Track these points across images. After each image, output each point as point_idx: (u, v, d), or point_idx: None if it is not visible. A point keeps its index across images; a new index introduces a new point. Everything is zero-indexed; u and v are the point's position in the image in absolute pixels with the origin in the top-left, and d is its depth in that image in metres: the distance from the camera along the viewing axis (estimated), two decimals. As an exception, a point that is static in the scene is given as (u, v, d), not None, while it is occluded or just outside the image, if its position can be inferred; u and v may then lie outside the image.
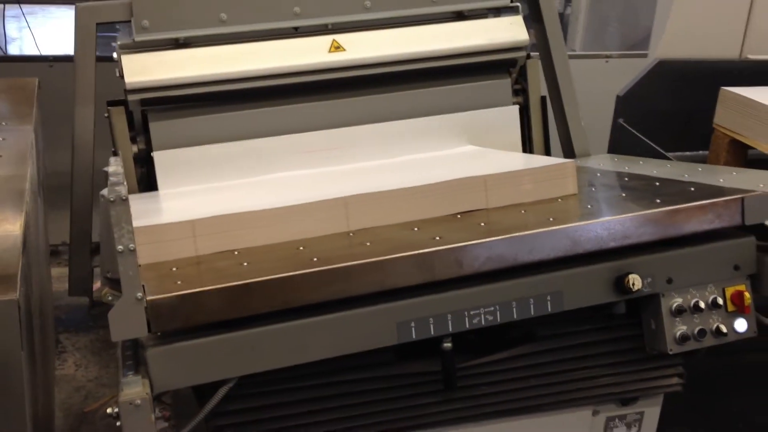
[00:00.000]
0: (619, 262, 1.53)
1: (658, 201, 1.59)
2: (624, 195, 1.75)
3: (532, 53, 2.24)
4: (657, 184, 1.78)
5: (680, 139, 2.40)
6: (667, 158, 2.16)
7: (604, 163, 2.15)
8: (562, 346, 1.62)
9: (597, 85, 2.71)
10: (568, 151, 2.25)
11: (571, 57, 2.81)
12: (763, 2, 2.43)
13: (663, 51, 2.39)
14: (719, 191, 1.62)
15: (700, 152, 2.39)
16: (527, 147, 2.24)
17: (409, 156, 2.08)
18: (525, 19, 2.23)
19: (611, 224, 1.52)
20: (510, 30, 2.19)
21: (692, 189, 1.67)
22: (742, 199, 1.56)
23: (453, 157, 2.06)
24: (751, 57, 2.47)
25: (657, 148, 2.17)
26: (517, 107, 2.21)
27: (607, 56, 2.87)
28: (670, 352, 1.57)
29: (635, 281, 1.51)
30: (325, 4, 2.10)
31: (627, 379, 1.66)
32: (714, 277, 1.59)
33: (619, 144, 2.37)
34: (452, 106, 2.18)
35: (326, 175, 1.92)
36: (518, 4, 2.21)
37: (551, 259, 1.50)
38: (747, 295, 1.59)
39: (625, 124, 2.33)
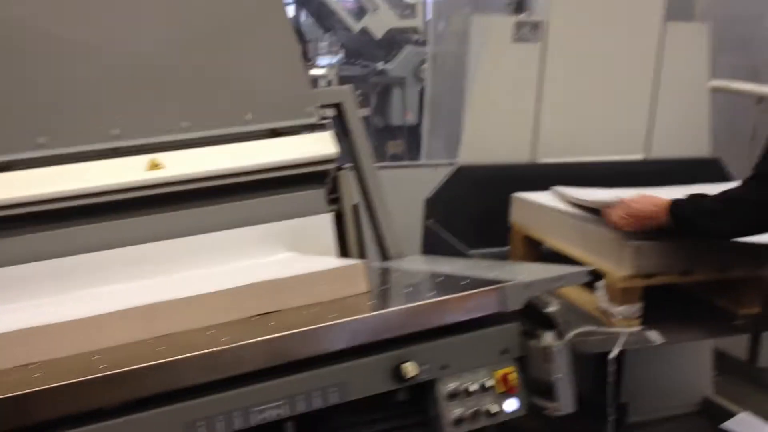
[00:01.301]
0: (398, 352, 1.68)
1: (433, 293, 1.78)
2: (410, 290, 1.93)
3: (344, 165, 2.45)
4: (441, 279, 1.97)
5: (485, 237, 2.64)
6: (468, 256, 2.37)
7: (412, 263, 2.35)
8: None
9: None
10: (384, 254, 2.44)
11: (386, 167, 3.08)
12: (547, 110, 2.74)
13: (463, 158, 2.65)
14: (485, 282, 1.82)
15: (504, 248, 2.64)
16: (344, 251, 2.41)
17: (225, 265, 2.20)
18: (336, 134, 2.45)
19: (388, 316, 1.68)
20: (320, 145, 2.38)
21: (467, 282, 1.87)
22: (503, 288, 1.76)
23: (265, 264, 2.19)
24: (541, 161, 2.77)
25: (459, 247, 2.37)
26: (331, 215, 2.39)
27: (420, 165, 3.13)
28: (448, 435, 1.71)
29: (410, 369, 1.67)
30: (144, 126, 2.23)
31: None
32: (484, 361, 1.76)
33: (429, 244, 2.58)
34: (270, 216, 2.32)
35: (137, 287, 2.03)
36: (328, 121, 2.42)
37: (334, 352, 1.64)
38: (514, 376, 1.76)
39: (432, 226, 2.54)
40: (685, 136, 2.94)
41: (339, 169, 2.43)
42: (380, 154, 6.57)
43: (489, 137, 2.66)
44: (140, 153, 2.22)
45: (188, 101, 2.25)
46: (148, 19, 2.18)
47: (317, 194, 2.42)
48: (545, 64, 2.65)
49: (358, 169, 2.44)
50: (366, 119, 7.03)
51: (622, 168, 2.84)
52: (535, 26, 2.61)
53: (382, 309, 1.72)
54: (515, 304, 1.77)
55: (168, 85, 2.21)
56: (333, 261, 2.15)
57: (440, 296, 1.73)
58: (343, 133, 2.47)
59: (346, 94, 2.44)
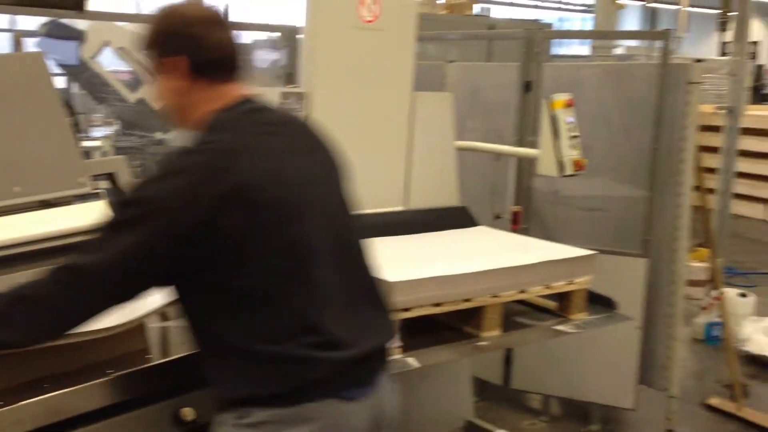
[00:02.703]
0: (175, 400, 1.80)
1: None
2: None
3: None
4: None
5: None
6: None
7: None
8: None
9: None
10: (164, 315, 2.54)
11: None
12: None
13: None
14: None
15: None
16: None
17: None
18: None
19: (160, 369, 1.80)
20: (93, 213, 2.46)
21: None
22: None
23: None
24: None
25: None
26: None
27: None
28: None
29: (188, 414, 1.80)
30: None
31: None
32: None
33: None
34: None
35: None
36: (102, 190, 2.51)
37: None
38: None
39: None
40: (438, 189, 3.33)
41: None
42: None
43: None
44: None
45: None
46: None
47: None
48: (308, 130, 2.93)
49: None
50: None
51: (385, 218, 3.15)
52: (299, 96, 2.88)
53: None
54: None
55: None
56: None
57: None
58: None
59: (119, 164, 2.54)
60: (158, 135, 7.20)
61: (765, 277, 7.04)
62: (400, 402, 1.85)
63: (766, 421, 4.05)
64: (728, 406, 4.24)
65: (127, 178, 2.53)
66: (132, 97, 7.19)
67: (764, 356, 4.93)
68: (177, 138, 7.29)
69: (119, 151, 6.91)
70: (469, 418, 3.61)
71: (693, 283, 6.12)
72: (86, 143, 7.06)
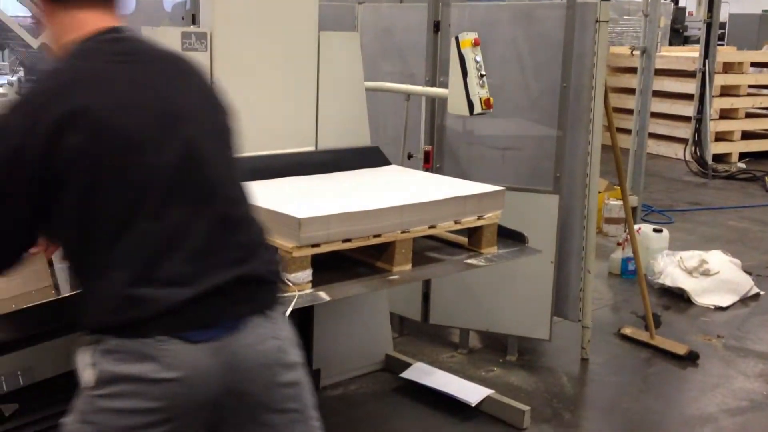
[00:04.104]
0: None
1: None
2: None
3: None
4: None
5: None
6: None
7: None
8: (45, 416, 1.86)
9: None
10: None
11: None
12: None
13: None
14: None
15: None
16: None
17: None
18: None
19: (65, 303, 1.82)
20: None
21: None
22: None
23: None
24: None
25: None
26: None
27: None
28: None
29: (96, 346, 1.82)
30: None
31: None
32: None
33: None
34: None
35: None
36: None
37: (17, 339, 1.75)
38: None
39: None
40: (348, 129, 3.36)
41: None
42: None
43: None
44: None
45: None
46: None
47: None
48: (213, 70, 2.91)
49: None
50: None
51: (295, 158, 3.17)
52: (201, 36, 2.86)
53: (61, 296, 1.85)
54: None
55: None
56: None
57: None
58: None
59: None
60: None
61: (681, 214, 7.31)
62: (274, 347, 1.74)
63: (676, 348, 4.25)
64: (641, 335, 4.43)
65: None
66: (35, 42, 6.97)
67: (677, 288, 5.14)
68: None
69: (27, 98, 6.72)
70: (389, 352, 3.71)
71: (610, 221, 6.34)
72: (-11, 90, 6.88)
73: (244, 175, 1.85)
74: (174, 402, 1.61)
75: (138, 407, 1.59)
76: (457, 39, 3.19)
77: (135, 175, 1.62)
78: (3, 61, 7.58)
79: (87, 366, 1.61)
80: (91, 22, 1.73)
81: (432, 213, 2.76)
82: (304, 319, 3.41)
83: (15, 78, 6.95)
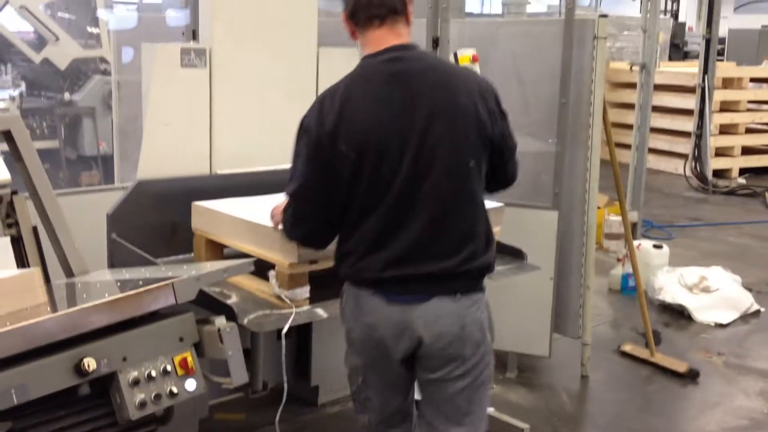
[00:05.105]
0: (77, 350, 1.81)
1: (105, 295, 1.93)
2: (85, 296, 2.07)
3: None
4: (119, 283, 2.13)
5: (171, 245, 2.83)
6: (154, 263, 2.52)
7: (97, 276, 2.47)
8: (40, 433, 1.83)
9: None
10: (67, 271, 2.52)
11: (77, 192, 3.18)
12: (219, 127, 2.99)
13: (142, 173, 2.82)
14: (158, 280, 2.01)
15: (190, 254, 2.84)
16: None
17: None
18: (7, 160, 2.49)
19: (60, 320, 1.80)
20: (-12, 170, 2.43)
21: (141, 282, 2.04)
22: (173, 283, 1.96)
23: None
24: (219, 172, 3.02)
25: (144, 254, 2.52)
26: (8, 238, 2.43)
27: (110, 189, 3.23)
28: (133, 418, 1.87)
29: (90, 364, 1.81)
30: None
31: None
32: (163, 349, 1.95)
33: (117, 258, 2.70)
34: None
35: None
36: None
37: (11, 356, 1.72)
38: (190, 359, 1.97)
39: (117, 239, 2.67)
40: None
41: (14, 193, 2.49)
42: (76, 186, 6.43)
43: (167, 153, 2.85)
44: None
45: None
46: None
47: (-11, 220, 2.46)
48: (213, 86, 2.91)
49: (33, 193, 2.51)
50: (57, 151, 6.84)
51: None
52: (200, 53, 2.86)
53: (56, 313, 1.83)
54: (187, 297, 1.97)
55: None
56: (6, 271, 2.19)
57: (113, 297, 1.89)
58: (15, 159, 2.52)
59: (14, 121, 2.49)
60: (66, 96, 7.07)
61: (681, 230, 7.30)
62: (449, 322, 2.18)
63: (676, 365, 4.23)
64: (641, 352, 4.40)
65: (23, 134, 2.48)
66: (36, 57, 7.02)
67: (677, 304, 5.12)
68: (84, 99, 7.22)
69: (26, 112, 6.77)
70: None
71: (610, 236, 6.33)
72: (-10, 105, 6.90)
73: (467, 186, 2.19)
74: (370, 338, 2.21)
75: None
76: (455, 55, 3.19)
77: (377, 181, 2.09)
78: (5, 75, 7.63)
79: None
80: (377, 40, 2.14)
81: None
82: (302, 334, 3.39)
83: (17, 93, 6.99)
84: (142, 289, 1.91)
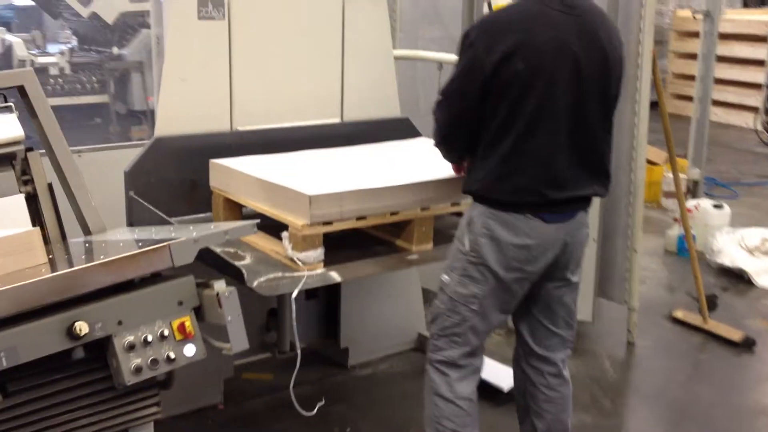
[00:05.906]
0: (70, 313, 1.76)
1: (103, 256, 1.87)
2: (85, 256, 2.02)
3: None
4: (121, 244, 2.07)
5: (190, 203, 2.77)
6: (170, 223, 2.47)
7: (113, 234, 2.42)
8: (35, 397, 1.81)
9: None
10: (85, 229, 2.49)
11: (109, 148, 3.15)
12: (239, 81, 2.90)
13: (160, 130, 2.75)
14: (156, 242, 1.94)
15: (208, 213, 2.78)
16: (42, 230, 2.43)
17: None
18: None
19: (51, 282, 1.75)
20: (4, 127, 2.39)
21: (141, 243, 1.98)
22: (170, 245, 1.89)
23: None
24: (240, 128, 2.93)
25: (160, 214, 2.47)
26: (22, 196, 2.40)
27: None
28: (128, 383, 1.83)
29: (82, 327, 1.76)
30: None
31: (106, 416, 1.89)
32: (162, 313, 1.89)
33: (136, 216, 2.65)
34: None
35: None
36: (11, 104, 2.42)
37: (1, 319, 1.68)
38: (189, 324, 1.90)
39: (135, 197, 2.63)
40: (376, 100, 3.22)
41: (29, 150, 2.46)
42: (126, 140, 6.46)
43: (185, 109, 2.76)
44: None
45: None
46: None
47: (7, 176, 2.43)
48: (232, 39, 2.80)
49: (49, 150, 2.47)
50: (106, 106, 6.88)
51: (319, 131, 3.06)
52: (218, 4, 2.75)
53: (50, 274, 1.78)
54: (185, 259, 1.90)
55: None
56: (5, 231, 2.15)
57: (109, 258, 1.83)
58: (30, 115, 2.48)
59: (28, 77, 2.44)
60: (115, 50, 7.07)
61: (747, 188, 6.95)
62: (585, 233, 2.48)
63: (730, 333, 4.02)
64: (693, 319, 4.20)
65: (37, 90, 2.43)
66: (85, 11, 7.03)
67: (737, 268, 4.88)
68: (132, 53, 7.21)
69: (76, 66, 6.81)
70: (421, 331, 3.58)
71: (669, 195, 6.05)
72: (42, 59, 6.96)
73: (608, 118, 2.38)
74: (516, 259, 2.33)
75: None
76: (489, 3, 3.01)
77: (541, 103, 2.21)
78: (66, 30, 7.68)
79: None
80: None
81: (455, 190, 2.61)
82: (332, 296, 3.32)
83: (67, 47, 7.02)
84: (137, 251, 1.85)
